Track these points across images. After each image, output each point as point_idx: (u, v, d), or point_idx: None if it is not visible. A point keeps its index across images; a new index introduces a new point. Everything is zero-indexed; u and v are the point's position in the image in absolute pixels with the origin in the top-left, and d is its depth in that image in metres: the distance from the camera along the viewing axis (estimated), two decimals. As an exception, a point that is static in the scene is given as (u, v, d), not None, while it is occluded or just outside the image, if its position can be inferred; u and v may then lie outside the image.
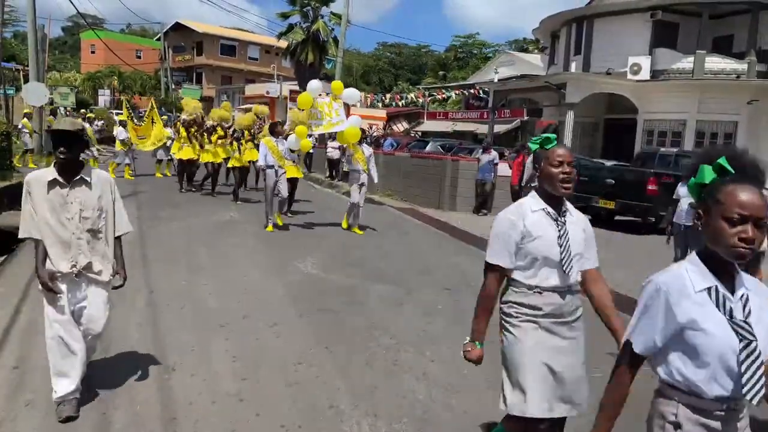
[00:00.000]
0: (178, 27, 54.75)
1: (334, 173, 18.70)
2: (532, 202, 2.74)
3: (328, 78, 42.62)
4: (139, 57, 56.44)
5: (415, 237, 10.19)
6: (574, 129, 21.39)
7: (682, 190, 7.06)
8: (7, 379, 3.79)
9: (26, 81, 21.51)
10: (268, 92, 38.84)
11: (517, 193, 11.70)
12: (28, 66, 21.94)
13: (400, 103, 36.03)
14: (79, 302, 3.39)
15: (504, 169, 13.07)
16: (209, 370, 4.11)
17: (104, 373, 3.90)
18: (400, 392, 3.96)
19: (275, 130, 9.72)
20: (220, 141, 12.91)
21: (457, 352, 4.80)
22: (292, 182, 10.86)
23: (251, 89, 42.96)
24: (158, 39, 55.03)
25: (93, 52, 56.15)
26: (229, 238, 8.78)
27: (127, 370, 3.98)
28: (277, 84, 37.98)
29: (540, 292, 2.65)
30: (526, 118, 25.14)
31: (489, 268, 2.77)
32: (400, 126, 38.32)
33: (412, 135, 31.24)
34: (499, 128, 27.62)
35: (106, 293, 3.53)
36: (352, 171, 9.89)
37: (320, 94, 9.34)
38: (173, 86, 51.77)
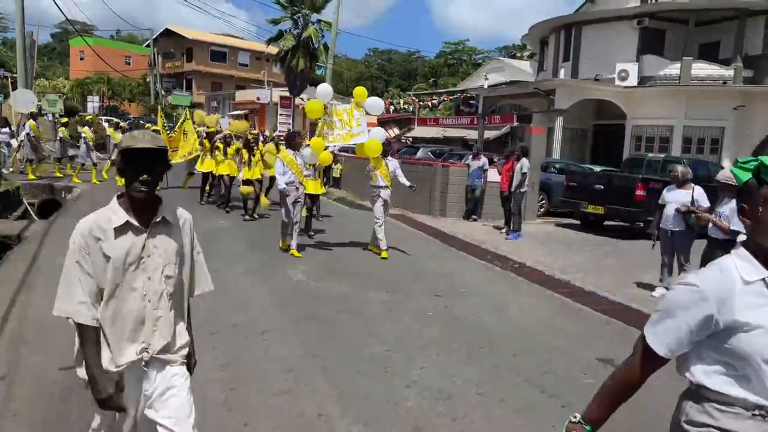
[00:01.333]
0: (168, 33, 54.71)
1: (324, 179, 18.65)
2: (744, 266, 1.61)
3: (316, 84, 42.79)
4: (129, 63, 56.27)
5: (406, 243, 10.18)
6: (563, 135, 21.56)
7: (668, 195, 7.11)
8: (-7, 390, 3.75)
9: (14, 88, 21.37)
10: (258, 98, 38.79)
11: (506, 199, 11.74)
12: (16, 73, 21.84)
13: (390, 109, 36.09)
14: (150, 400, 2.28)
15: (494, 175, 13.11)
16: (197, 378, 4.07)
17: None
18: (390, 399, 3.96)
19: (293, 142, 8.53)
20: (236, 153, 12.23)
21: (448, 358, 4.83)
22: (312, 198, 10.20)
23: (241, 95, 42.94)
24: (147, 45, 54.90)
25: (82, 59, 55.94)
26: (219, 246, 8.74)
27: (115, 380, 3.95)
28: (267, 90, 37.93)
29: (765, 416, 1.58)
30: (515, 124, 25.25)
31: (643, 344, 1.73)
32: (391, 132, 38.34)
33: (403, 141, 31.30)
34: (489, 134, 27.73)
35: (188, 381, 2.44)
36: (373, 187, 8.84)
37: (330, 102, 8.46)
38: (163, 92, 51.61)
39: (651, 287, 7.52)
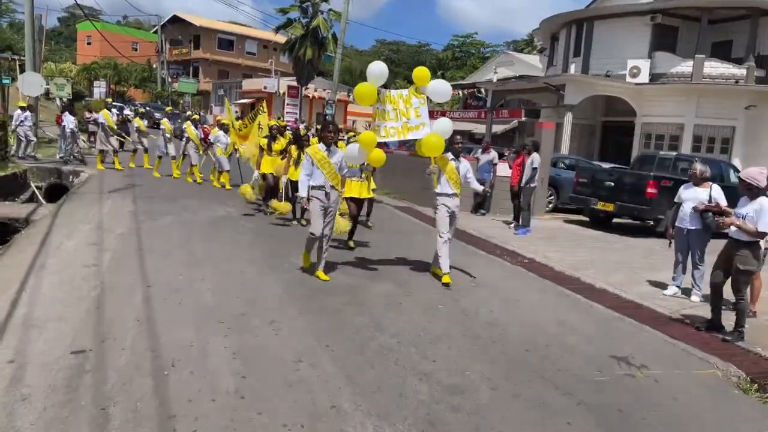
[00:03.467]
0: (175, 20, 54.51)
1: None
2: None
3: (325, 75, 42.60)
4: (136, 49, 56.08)
5: (414, 236, 10.13)
6: (572, 131, 21.42)
7: (685, 193, 7.01)
8: (3, 373, 3.72)
9: (22, 71, 21.29)
10: (265, 87, 38.69)
11: (516, 194, 11.66)
12: (24, 56, 21.79)
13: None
14: None
15: (503, 169, 13.02)
16: (208, 367, 4.05)
17: (102, 368, 3.84)
18: (402, 392, 3.91)
19: (326, 135, 6.61)
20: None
21: (459, 352, 4.78)
22: (358, 204, 8.35)
23: (248, 84, 42.80)
24: (155, 31, 54.75)
25: (89, 44, 55.83)
26: (225, 233, 8.70)
27: (125, 366, 3.92)
28: (274, 79, 37.81)
29: None
30: (523, 118, 25.11)
31: None
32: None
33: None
34: (496, 128, 27.61)
35: None
36: (436, 195, 7.03)
37: (385, 87, 6.84)
38: (170, 79, 51.53)
39: (663, 285, 7.44)
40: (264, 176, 10.67)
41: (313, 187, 6.48)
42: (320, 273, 6.63)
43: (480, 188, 7.48)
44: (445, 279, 6.81)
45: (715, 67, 21.17)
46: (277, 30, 31.82)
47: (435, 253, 7.12)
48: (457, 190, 6.96)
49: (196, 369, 3.98)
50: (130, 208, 10.01)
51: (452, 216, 7.01)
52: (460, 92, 31.78)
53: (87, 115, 19.38)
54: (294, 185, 9.40)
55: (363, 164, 7.08)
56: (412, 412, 3.65)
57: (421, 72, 6.82)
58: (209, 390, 3.70)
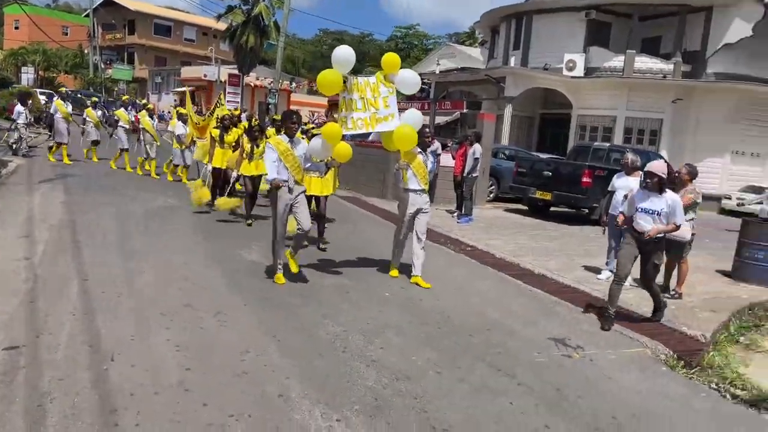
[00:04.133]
0: (108, 3, 52.04)
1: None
2: None
3: (267, 63, 41.82)
4: (66, 34, 53.36)
5: (361, 226, 10.17)
6: (512, 122, 21.98)
7: (617, 182, 7.35)
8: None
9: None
10: (205, 75, 37.68)
11: (459, 184, 11.87)
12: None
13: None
14: None
15: (447, 159, 13.22)
16: (151, 360, 3.96)
17: (37, 364, 3.69)
18: (350, 379, 3.94)
19: (289, 126, 6.08)
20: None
21: (406, 339, 4.85)
22: (317, 201, 8.03)
23: (187, 72, 41.53)
24: (87, 15, 52.20)
25: (17, 28, 52.64)
26: (167, 225, 8.47)
27: (62, 361, 3.78)
28: (215, 67, 36.84)
29: None
30: (465, 110, 25.55)
31: None
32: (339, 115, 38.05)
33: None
34: (439, 119, 27.94)
35: None
36: (404, 191, 6.65)
37: (349, 75, 6.25)
38: (102, 65, 49.33)
39: (598, 270, 7.78)
40: (214, 171, 9.99)
41: (281, 181, 5.92)
42: (293, 263, 6.26)
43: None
44: (422, 282, 6.50)
45: (644, 62, 22.12)
46: (219, 18, 31.00)
47: (393, 251, 6.92)
48: (426, 185, 6.63)
49: (138, 362, 3.88)
50: (62, 199, 9.58)
51: (420, 213, 6.63)
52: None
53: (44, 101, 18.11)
54: (252, 182, 9.08)
55: (328, 159, 6.42)
56: (359, 398, 3.69)
57: (390, 58, 6.30)
58: (152, 383, 3.62)
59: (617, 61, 22.29)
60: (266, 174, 6.00)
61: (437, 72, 26.81)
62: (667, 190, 5.48)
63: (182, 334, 4.43)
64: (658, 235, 5.49)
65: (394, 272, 6.82)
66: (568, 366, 4.65)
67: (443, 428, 3.44)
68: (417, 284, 6.50)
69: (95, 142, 15.30)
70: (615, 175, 7.58)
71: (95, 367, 3.76)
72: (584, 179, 11.70)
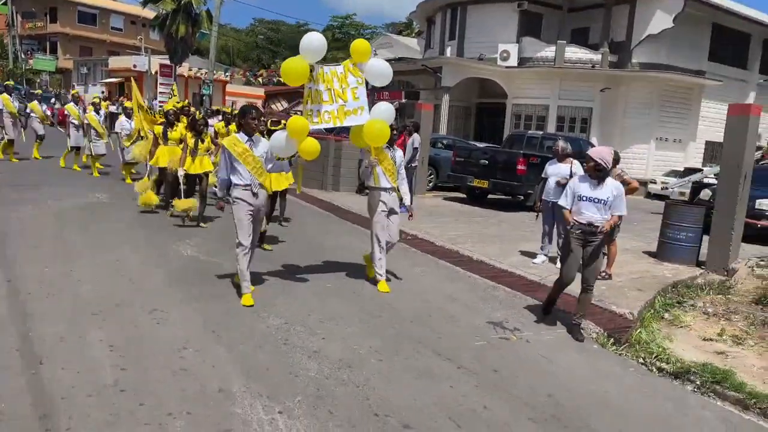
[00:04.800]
0: (27, -10, 49.16)
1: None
2: None
3: (201, 53, 40.61)
4: (-19, 22, 49.98)
5: (302, 218, 10.09)
6: (449, 112, 22.29)
7: (550, 169, 7.61)
8: None
9: None
10: (135, 66, 36.22)
11: (398, 173, 11.93)
12: None
13: (276, 81, 35.33)
14: None
15: (385, 149, 13.27)
16: (83, 361, 3.81)
17: (-43, 373, 3.49)
18: (292, 371, 3.93)
19: (248, 123, 5.36)
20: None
21: (348, 329, 4.87)
22: (272, 197, 7.54)
23: (116, 62, 39.79)
24: (5, 3, 49.03)
25: (-76, 15, 48.87)
26: (98, 222, 8.13)
27: (-14, 368, 3.59)
28: (145, 57, 35.47)
29: None
30: (404, 100, 25.69)
31: None
32: (279, 105, 37.52)
33: (293, 114, 30.73)
34: (378, 110, 27.96)
35: None
36: (373, 190, 6.28)
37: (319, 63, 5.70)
38: (23, 56, 46.57)
39: (532, 255, 8.04)
40: (162, 171, 9.13)
41: (236, 186, 5.26)
42: (247, 297, 5.26)
43: (408, 201, 6.43)
44: (385, 287, 6.07)
45: (574, 53, 22.89)
46: (144, 4, 29.81)
47: (371, 255, 6.37)
48: (395, 183, 6.19)
49: (69, 365, 3.73)
50: (-19, 197, 9.03)
51: (391, 214, 6.24)
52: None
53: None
54: (196, 180, 8.47)
55: (293, 157, 5.88)
56: (302, 389, 3.69)
57: (360, 45, 5.81)
58: (85, 385, 3.49)
59: (549, 52, 22.95)
60: (211, 171, 5.60)
61: (375, 62, 26.78)
62: (608, 178, 5.16)
63: (116, 334, 4.29)
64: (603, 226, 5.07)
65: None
66: (506, 348, 4.81)
67: (385, 414, 3.49)
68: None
69: (40, 137, 14.49)
70: (548, 163, 7.84)
71: (23, 372, 3.59)
72: (519, 167, 12.03)
